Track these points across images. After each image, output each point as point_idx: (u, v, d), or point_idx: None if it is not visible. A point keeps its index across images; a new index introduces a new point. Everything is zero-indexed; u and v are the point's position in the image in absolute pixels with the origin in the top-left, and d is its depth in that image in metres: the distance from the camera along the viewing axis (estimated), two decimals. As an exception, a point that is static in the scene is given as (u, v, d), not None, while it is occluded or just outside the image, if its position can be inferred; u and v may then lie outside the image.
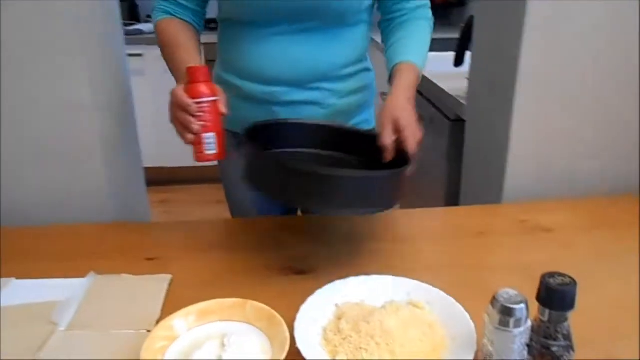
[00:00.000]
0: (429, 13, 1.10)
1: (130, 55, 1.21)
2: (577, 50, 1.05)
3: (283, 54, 1.03)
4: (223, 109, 0.87)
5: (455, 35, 3.00)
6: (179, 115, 0.85)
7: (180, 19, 1.05)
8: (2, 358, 0.67)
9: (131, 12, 3.31)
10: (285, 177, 0.77)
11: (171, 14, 1.05)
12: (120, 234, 0.99)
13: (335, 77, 1.07)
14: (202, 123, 0.84)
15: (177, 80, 0.97)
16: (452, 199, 1.58)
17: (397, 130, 0.88)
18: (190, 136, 0.85)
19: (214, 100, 0.85)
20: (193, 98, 0.84)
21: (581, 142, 1.12)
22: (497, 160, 1.16)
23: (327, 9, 1.00)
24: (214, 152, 0.86)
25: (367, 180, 0.78)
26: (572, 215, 1.03)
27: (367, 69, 1.15)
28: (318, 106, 1.08)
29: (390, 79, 0.99)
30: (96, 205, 1.08)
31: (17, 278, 0.84)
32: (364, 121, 1.18)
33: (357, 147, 0.98)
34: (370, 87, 1.18)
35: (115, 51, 1.14)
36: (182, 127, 0.86)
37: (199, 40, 1.07)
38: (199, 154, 0.86)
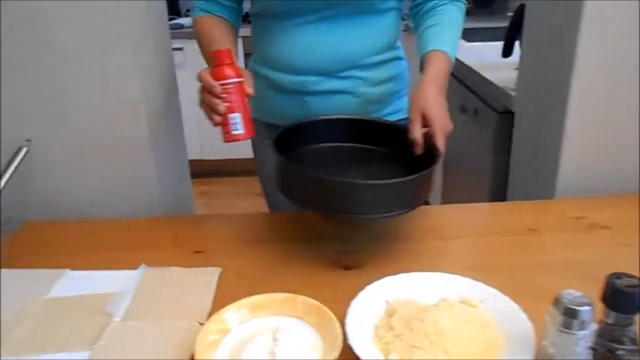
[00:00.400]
0: None
1: (172, 49, 1.22)
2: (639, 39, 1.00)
3: (312, 43, 1.02)
4: (248, 89, 0.88)
5: (498, 24, 2.92)
6: (205, 97, 0.87)
7: (218, 16, 1.06)
8: (60, 348, 0.69)
9: (172, 6, 3.36)
10: (312, 187, 0.79)
11: (209, 12, 1.06)
12: (169, 227, 1.01)
13: (366, 65, 1.05)
14: (227, 104, 0.86)
15: None
16: (498, 193, 1.54)
17: (426, 123, 0.88)
18: (217, 117, 0.86)
19: (239, 82, 0.86)
20: (218, 80, 0.85)
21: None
22: (549, 154, 1.12)
23: None
24: (240, 132, 0.87)
25: (393, 186, 0.79)
26: (630, 211, 0.99)
27: (398, 58, 1.13)
28: (349, 95, 1.07)
29: (421, 68, 0.97)
30: (143, 198, 1.10)
31: (71, 269, 0.86)
32: (398, 110, 1.15)
33: (388, 138, 0.97)
34: (402, 75, 1.15)
35: (163, 47, 1.16)
36: (209, 109, 0.87)
37: (236, 36, 1.08)
38: (226, 135, 0.88)
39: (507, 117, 1.49)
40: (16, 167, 0.99)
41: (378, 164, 0.95)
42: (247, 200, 2.86)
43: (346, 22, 1.01)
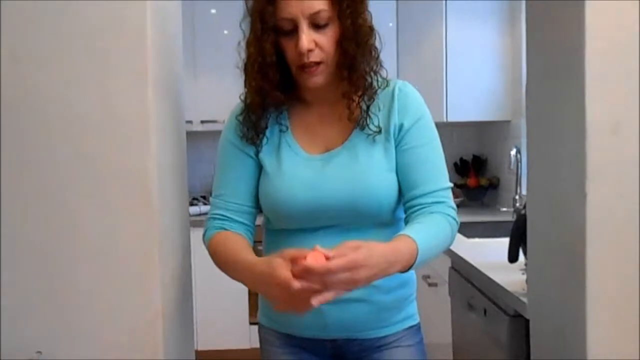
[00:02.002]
0: (447, 209, 1.09)
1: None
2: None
3: None
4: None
5: (491, 218, 3.05)
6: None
7: (236, 232, 1.11)
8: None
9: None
10: None
11: (226, 229, 1.11)
12: None
13: None
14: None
15: (246, 280, 1.02)
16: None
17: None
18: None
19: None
20: None
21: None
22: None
23: (361, 213, 1.08)
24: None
25: None
26: None
27: None
28: (365, 303, 1.10)
29: None
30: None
31: None
32: (410, 316, 1.19)
33: None
34: (411, 280, 1.19)
35: (184, 253, 1.19)
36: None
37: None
38: None
39: (519, 320, 1.47)
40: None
41: None
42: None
43: (359, 233, 1.08)
